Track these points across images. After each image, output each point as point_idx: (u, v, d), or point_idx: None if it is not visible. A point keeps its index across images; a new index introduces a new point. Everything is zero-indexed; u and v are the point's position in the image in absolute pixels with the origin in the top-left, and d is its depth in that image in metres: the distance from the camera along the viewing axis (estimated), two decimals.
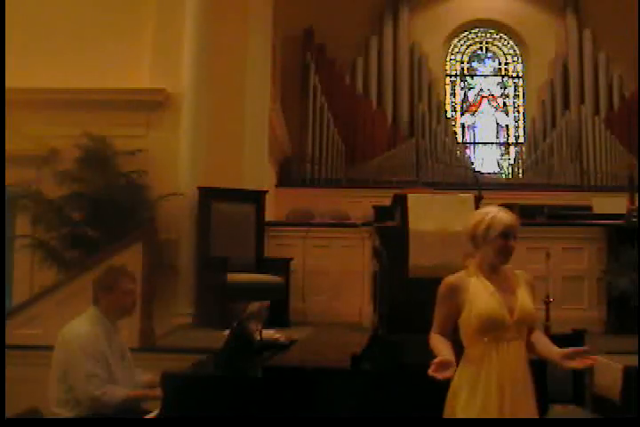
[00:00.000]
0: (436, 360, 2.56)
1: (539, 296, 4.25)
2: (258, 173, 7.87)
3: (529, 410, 2.65)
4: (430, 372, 2.52)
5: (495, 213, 2.75)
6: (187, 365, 3.52)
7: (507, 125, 12.26)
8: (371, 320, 5.98)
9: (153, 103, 6.64)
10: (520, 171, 11.50)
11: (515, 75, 12.36)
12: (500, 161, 12.08)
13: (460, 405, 2.67)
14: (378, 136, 11.35)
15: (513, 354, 2.63)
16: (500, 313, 2.65)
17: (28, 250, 6.30)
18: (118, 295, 3.70)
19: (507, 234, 2.69)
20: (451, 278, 2.76)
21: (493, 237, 2.70)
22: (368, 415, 2.99)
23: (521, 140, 12.05)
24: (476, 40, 12.43)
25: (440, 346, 2.70)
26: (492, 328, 2.64)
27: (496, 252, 2.71)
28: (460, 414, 2.66)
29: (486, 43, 12.44)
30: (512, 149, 12.11)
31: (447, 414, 2.70)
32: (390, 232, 5.55)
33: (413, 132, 11.42)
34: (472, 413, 2.63)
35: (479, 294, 2.68)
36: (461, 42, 12.40)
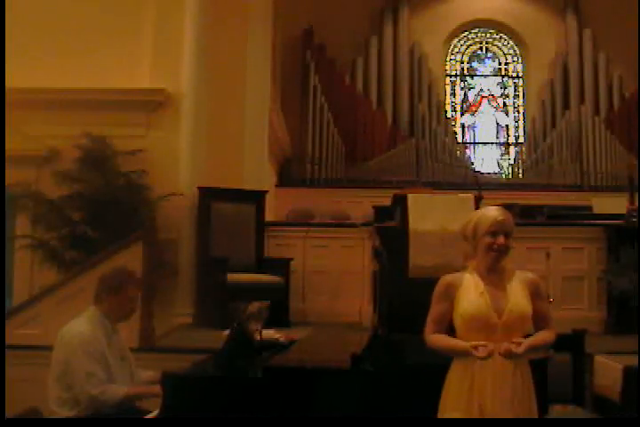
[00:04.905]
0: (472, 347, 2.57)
1: None
2: (258, 173, 7.87)
3: (518, 413, 2.60)
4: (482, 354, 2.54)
5: (483, 211, 2.75)
6: (187, 365, 3.52)
7: (507, 125, 12.27)
8: (371, 320, 5.97)
9: (153, 103, 6.65)
10: (520, 171, 11.51)
11: (515, 75, 12.36)
12: (500, 161, 12.09)
13: (448, 402, 2.68)
14: (378, 136, 11.35)
15: (499, 356, 2.60)
16: (485, 314, 2.63)
17: (28, 250, 6.30)
18: (123, 300, 3.69)
19: (494, 231, 2.67)
20: (447, 277, 2.77)
21: (481, 235, 2.69)
22: (368, 415, 2.98)
23: (521, 140, 12.05)
24: (476, 40, 12.44)
25: (447, 339, 2.69)
26: (476, 328, 2.63)
27: (485, 250, 2.69)
28: (448, 412, 2.66)
29: (486, 43, 12.45)
30: (512, 149, 12.11)
31: (440, 411, 2.70)
32: (390, 232, 5.55)
33: (413, 132, 11.42)
34: (457, 411, 2.63)
35: (468, 293, 2.68)
36: (461, 42, 12.40)
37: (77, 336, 3.58)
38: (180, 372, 3.30)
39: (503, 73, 12.40)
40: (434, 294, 2.77)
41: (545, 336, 2.71)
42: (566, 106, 11.57)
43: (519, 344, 2.57)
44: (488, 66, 12.44)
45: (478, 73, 12.44)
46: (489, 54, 12.47)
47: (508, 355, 2.56)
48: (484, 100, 12.30)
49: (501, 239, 2.66)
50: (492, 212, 2.73)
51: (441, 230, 5.25)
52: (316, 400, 3.02)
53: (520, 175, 11.50)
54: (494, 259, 2.70)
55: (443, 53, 12.14)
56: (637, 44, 10.51)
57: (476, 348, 2.56)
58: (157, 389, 3.26)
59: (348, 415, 2.98)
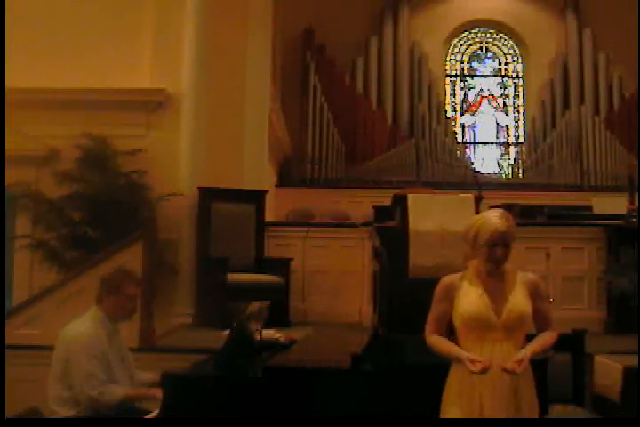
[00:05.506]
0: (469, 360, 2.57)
1: None
2: (258, 173, 7.87)
3: (519, 413, 2.61)
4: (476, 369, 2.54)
5: (485, 219, 2.69)
6: (187, 365, 3.52)
7: (507, 125, 12.26)
8: (371, 320, 5.98)
9: (153, 103, 6.65)
10: (520, 171, 11.51)
11: (515, 75, 12.36)
12: (500, 161, 12.09)
13: (449, 402, 2.69)
14: (378, 136, 11.35)
15: (499, 355, 2.61)
16: (485, 314, 2.63)
17: (27, 250, 6.30)
18: (122, 299, 3.70)
19: (493, 242, 2.64)
20: (447, 278, 2.77)
21: (480, 244, 2.67)
22: (368, 415, 2.98)
23: (521, 140, 12.05)
24: (476, 40, 12.43)
25: (446, 344, 2.70)
26: (475, 328, 2.64)
27: (483, 259, 2.69)
28: (448, 412, 2.67)
29: (486, 43, 12.44)
30: (512, 149, 12.11)
31: (442, 411, 2.71)
32: (390, 232, 5.54)
33: (413, 132, 11.42)
34: (457, 411, 2.64)
35: (467, 294, 2.69)
36: (461, 42, 12.40)
37: (79, 336, 3.59)
38: (180, 372, 3.31)
39: (503, 73, 12.39)
40: (434, 295, 2.77)
41: (544, 340, 2.71)
42: (566, 106, 11.57)
43: (520, 362, 2.56)
44: (488, 66, 12.44)
45: (478, 73, 12.44)
46: (489, 54, 12.47)
47: (512, 373, 2.56)
48: (484, 100, 12.30)
49: (499, 251, 2.65)
50: (493, 220, 2.66)
51: (441, 230, 5.25)
52: (316, 400, 3.03)
53: (520, 175, 11.50)
54: (492, 268, 2.70)
55: (443, 53, 12.14)
56: (637, 44, 10.51)
57: (472, 361, 2.56)
58: (157, 392, 3.26)
59: (348, 415, 2.98)
